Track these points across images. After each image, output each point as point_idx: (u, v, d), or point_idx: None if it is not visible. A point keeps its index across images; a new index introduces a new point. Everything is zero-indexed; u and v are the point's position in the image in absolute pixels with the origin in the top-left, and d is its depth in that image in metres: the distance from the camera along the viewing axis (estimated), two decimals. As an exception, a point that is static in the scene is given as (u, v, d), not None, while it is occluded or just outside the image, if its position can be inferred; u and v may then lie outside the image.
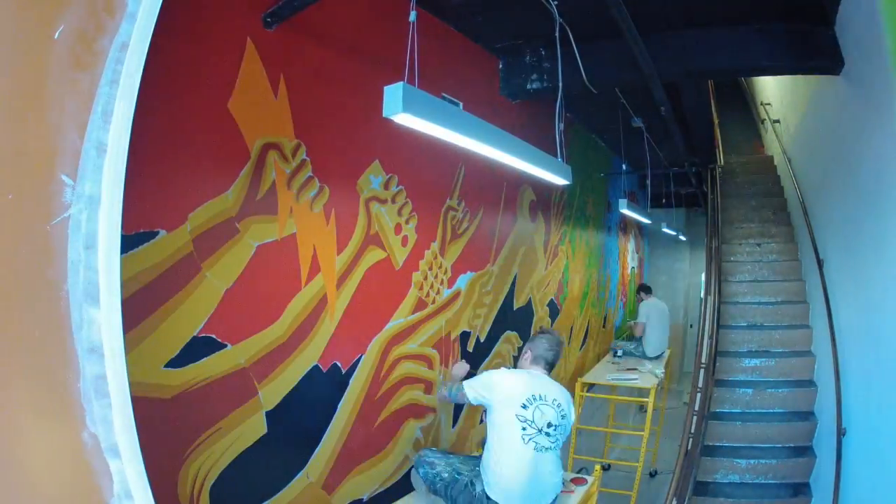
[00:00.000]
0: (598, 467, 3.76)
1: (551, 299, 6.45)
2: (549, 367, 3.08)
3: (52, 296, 0.92)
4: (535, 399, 2.80)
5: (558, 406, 2.85)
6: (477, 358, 4.68)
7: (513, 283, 5.36)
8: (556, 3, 3.02)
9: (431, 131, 2.04)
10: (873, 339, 3.86)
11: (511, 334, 5.32)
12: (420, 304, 3.87)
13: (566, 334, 7.05)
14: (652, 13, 3.74)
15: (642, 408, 7.65)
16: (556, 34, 3.11)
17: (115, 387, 0.95)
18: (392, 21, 3.32)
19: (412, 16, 2.06)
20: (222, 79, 2.48)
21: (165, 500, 2.25)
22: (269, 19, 2.63)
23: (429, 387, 4.00)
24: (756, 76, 9.99)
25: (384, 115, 1.82)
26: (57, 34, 0.92)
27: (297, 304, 2.88)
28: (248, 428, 2.62)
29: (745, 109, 11.77)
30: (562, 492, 3.02)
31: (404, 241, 3.69)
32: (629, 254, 10.97)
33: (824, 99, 5.26)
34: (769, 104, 8.97)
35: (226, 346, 2.49)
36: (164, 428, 2.27)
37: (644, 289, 7.97)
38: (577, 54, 3.42)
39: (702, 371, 5.35)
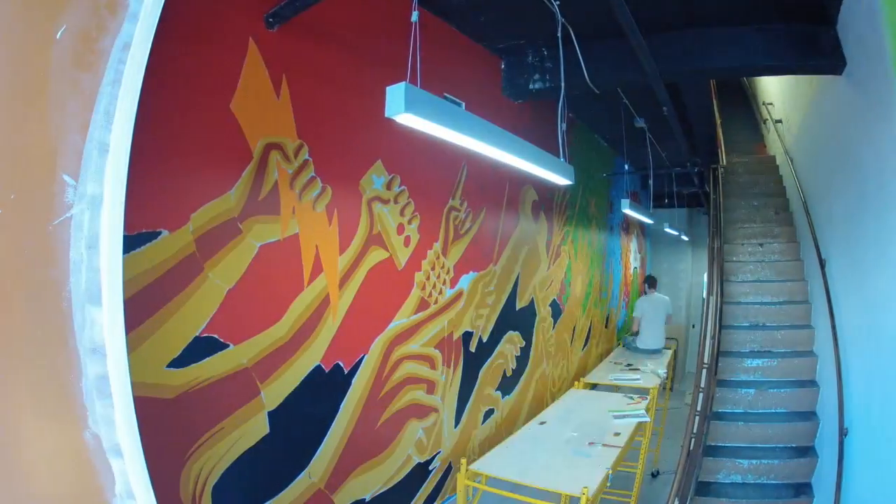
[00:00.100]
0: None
1: (554, 299, 6.44)
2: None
3: (54, 296, 0.92)
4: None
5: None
6: (479, 358, 4.68)
7: (515, 284, 5.36)
8: (558, 3, 3.02)
9: (434, 131, 2.04)
10: (875, 339, 3.85)
11: (514, 334, 5.32)
12: (422, 305, 3.87)
13: (568, 335, 7.05)
14: (654, 13, 3.73)
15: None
16: (559, 34, 3.11)
17: (118, 387, 0.95)
18: (394, 21, 3.33)
19: (414, 16, 2.06)
20: (224, 79, 2.48)
21: (167, 500, 2.25)
22: (271, 19, 2.63)
23: (431, 387, 4.00)
24: (758, 76, 9.98)
25: (387, 115, 1.82)
26: (59, 34, 0.92)
27: (300, 305, 2.88)
28: (251, 428, 2.62)
29: (747, 109, 11.74)
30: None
31: (407, 242, 3.69)
32: (631, 254, 10.96)
33: (826, 99, 5.24)
34: (771, 104, 8.95)
35: (228, 346, 2.50)
36: (166, 428, 2.27)
37: (648, 281, 8.04)
38: (579, 54, 3.42)
39: (704, 371, 5.34)
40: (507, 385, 5.23)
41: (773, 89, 8.92)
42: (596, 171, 8.07)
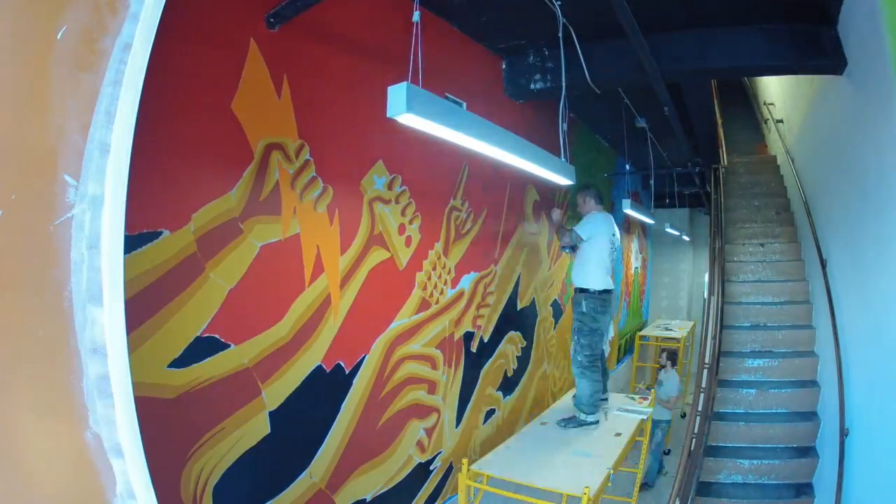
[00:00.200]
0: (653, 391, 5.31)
1: (555, 299, 6.44)
2: (602, 201, 4.50)
3: (56, 296, 0.92)
4: (615, 235, 4.29)
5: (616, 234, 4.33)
6: (480, 358, 4.68)
7: (516, 284, 5.35)
8: (559, 3, 3.02)
9: (435, 131, 2.04)
10: (876, 339, 3.85)
11: (515, 334, 5.31)
12: (424, 305, 3.87)
13: (570, 335, 7.03)
14: (655, 13, 3.73)
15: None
16: (560, 34, 3.11)
17: (118, 387, 0.95)
18: (395, 21, 3.33)
19: (416, 16, 2.06)
20: (225, 79, 2.48)
21: (168, 500, 2.25)
22: (272, 20, 2.63)
23: (432, 387, 4.00)
24: (759, 76, 9.98)
25: (388, 115, 1.82)
26: (60, 34, 0.92)
27: (301, 305, 2.88)
28: (252, 428, 2.62)
29: (748, 109, 11.75)
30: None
31: (408, 242, 3.69)
32: (633, 254, 10.96)
33: (827, 99, 5.24)
34: (772, 104, 8.96)
35: (229, 346, 2.50)
36: (167, 428, 2.27)
37: (672, 359, 7.57)
38: (580, 54, 3.42)
39: (705, 371, 5.34)
40: (508, 385, 5.23)
41: (774, 89, 8.92)
42: (597, 171, 8.06)
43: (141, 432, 0.98)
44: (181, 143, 2.31)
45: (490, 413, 4.90)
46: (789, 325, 5.87)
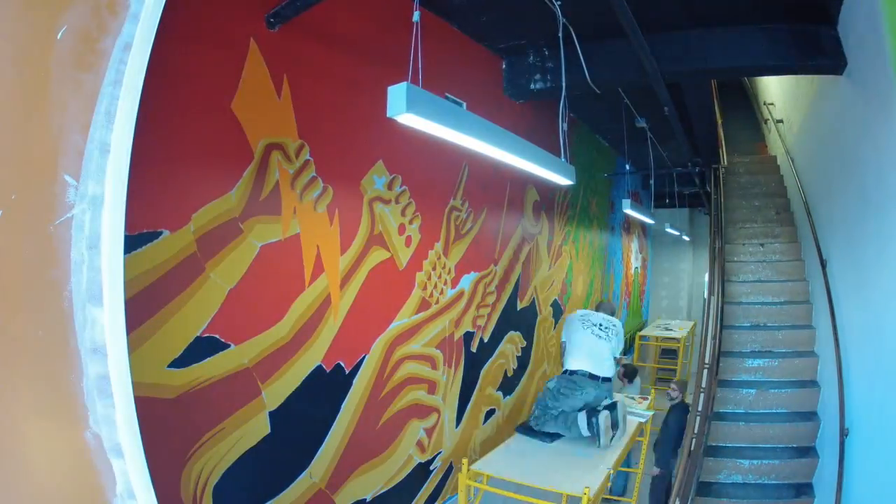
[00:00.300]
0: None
1: (555, 299, 6.44)
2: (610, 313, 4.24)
3: (56, 296, 0.92)
4: (585, 315, 4.09)
5: (601, 317, 4.09)
6: (480, 358, 4.68)
7: (516, 284, 5.35)
8: (559, 3, 3.02)
9: (435, 131, 2.04)
10: (876, 339, 3.84)
11: (515, 334, 5.31)
12: (424, 305, 3.87)
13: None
14: (655, 13, 3.73)
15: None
16: (560, 34, 3.10)
17: (118, 387, 0.95)
18: (395, 21, 3.32)
19: (416, 16, 2.06)
20: (225, 79, 2.48)
21: (168, 500, 2.25)
22: (272, 20, 2.63)
23: (432, 387, 4.00)
24: (759, 76, 9.96)
25: (388, 115, 1.82)
26: (60, 34, 0.92)
27: (301, 305, 2.88)
28: (252, 428, 2.62)
29: (748, 110, 11.73)
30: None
31: (408, 242, 3.69)
32: (633, 254, 10.96)
33: (827, 99, 5.24)
34: (772, 104, 8.94)
35: (229, 346, 2.50)
36: (167, 428, 2.27)
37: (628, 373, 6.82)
38: (580, 54, 3.42)
39: (705, 371, 5.33)
40: (508, 385, 5.23)
41: (774, 89, 8.91)
42: (597, 171, 8.07)
43: (141, 432, 0.98)
44: (181, 143, 2.31)
45: (490, 413, 4.90)
46: (789, 325, 5.87)
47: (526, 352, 5.61)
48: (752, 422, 5.15)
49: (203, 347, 2.39)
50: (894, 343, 3.50)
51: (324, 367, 3.03)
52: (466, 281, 4.41)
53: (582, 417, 3.63)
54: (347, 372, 3.21)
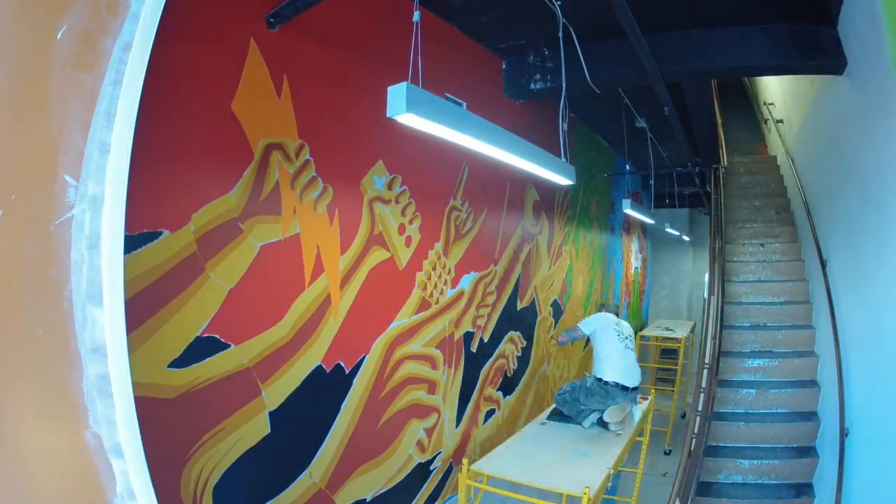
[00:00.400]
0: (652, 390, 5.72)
1: (555, 299, 6.44)
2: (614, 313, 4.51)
3: (56, 296, 0.92)
4: (618, 324, 4.34)
5: (628, 328, 4.41)
6: (480, 358, 4.68)
7: (516, 284, 5.35)
8: (559, 3, 3.02)
9: (435, 131, 2.04)
10: (876, 339, 3.84)
11: (514, 334, 5.31)
12: (424, 305, 3.87)
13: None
14: (655, 13, 3.73)
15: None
16: (560, 34, 3.10)
17: (118, 387, 0.95)
18: (395, 21, 3.33)
19: (416, 16, 2.06)
20: (225, 79, 2.48)
21: (168, 500, 2.25)
22: (272, 20, 2.63)
23: (432, 387, 4.00)
24: (759, 76, 9.97)
25: (388, 115, 1.82)
26: (60, 34, 0.92)
27: (301, 305, 2.88)
28: (252, 428, 2.62)
29: (748, 110, 11.73)
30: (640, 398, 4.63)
31: (408, 242, 3.69)
32: (633, 254, 10.96)
33: (827, 99, 5.24)
34: (772, 104, 8.95)
35: (229, 346, 2.50)
36: (167, 428, 2.27)
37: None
38: (580, 54, 3.42)
39: (705, 371, 5.33)
40: (508, 385, 5.23)
41: (774, 89, 8.92)
42: (597, 171, 8.07)
43: (141, 432, 0.98)
44: (181, 143, 2.31)
45: (490, 413, 4.91)
46: (789, 325, 5.87)
47: (526, 352, 5.61)
48: (752, 422, 5.15)
49: (203, 347, 2.39)
50: (894, 343, 3.50)
51: (324, 367, 3.03)
52: (466, 281, 4.41)
53: (594, 416, 4.07)
54: (347, 372, 3.21)
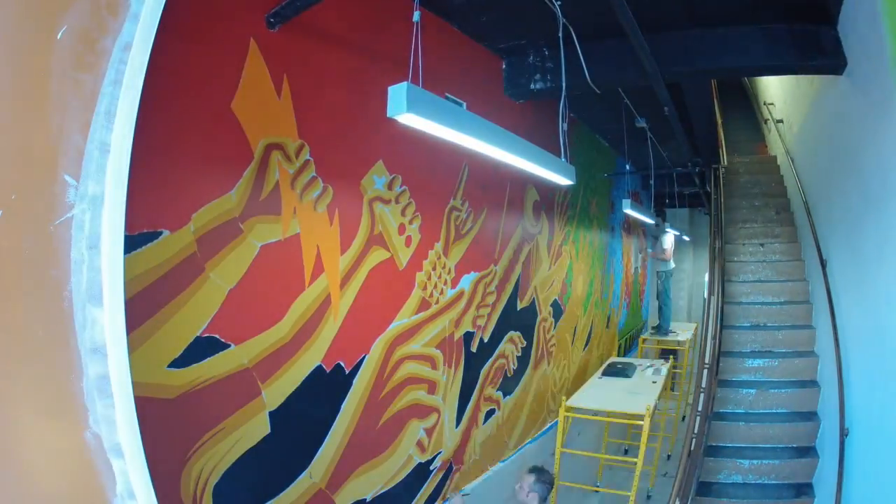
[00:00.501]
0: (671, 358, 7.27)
1: (555, 299, 6.44)
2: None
3: (56, 296, 0.92)
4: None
5: None
6: (480, 358, 4.68)
7: (516, 284, 5.35)
8: (559, 3, 3.02)
9: (435, 131, 2.03)
10: (876, 339, 3.85)
11: (514, 334, 5.31)
12: (424, 305, 3.87)
13: (569, 335, 7.05)
14: (655, 13, 3.73)
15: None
16: (560, 34, 3.10)
17: (118, 387, 0.95)
18: (395, 21, 3.33)
19: (416, 16, 2.06)
20: (225, 79, 2.48)
21: (168, 500, 2.25)
22: (272, 19, 2.63)
23: (432, 387, 4.00)
24: (759, 76, 9.97)
25: (388, 115, 1.81)
26: (60, 34, 0.92)
27: (301, 305, 2.88)
28: (252, 428, 2.62)
29: (748, 110, 11.74)
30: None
31: (408, 242, 3.68)
32: (633, 254, 10.96)
33: (827, 99, 5.24)
34: (772, 104, 8.95)
35: (229, 346, 2.50)
36: (167, 428, 2.27)
37: None
38: (580, 54, 3.42)
39: (705, 371, 5.34)
40: (508, 385, 5.22)
41: (774, 89, 8.92)
42: (597, 172, 8.06)
43: (141, 432, 0.98)
44: (181, 142, 2.31)
45: (490, 413, 4.90)
46: (789, 325, 5.87)
47: (526, 352, 5.61)
48: (752, 422, 5.16)
49: (203, 347, 2.38)
50: (894, 343, 3.50)
51: (324, 367, 3.03)
52: (466, 281, 4.41)
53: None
54: (347, 372, 3.21)
